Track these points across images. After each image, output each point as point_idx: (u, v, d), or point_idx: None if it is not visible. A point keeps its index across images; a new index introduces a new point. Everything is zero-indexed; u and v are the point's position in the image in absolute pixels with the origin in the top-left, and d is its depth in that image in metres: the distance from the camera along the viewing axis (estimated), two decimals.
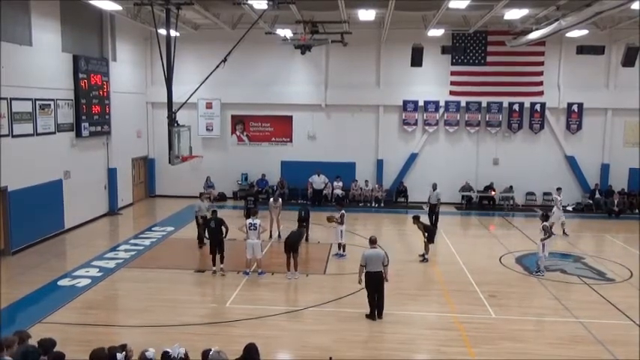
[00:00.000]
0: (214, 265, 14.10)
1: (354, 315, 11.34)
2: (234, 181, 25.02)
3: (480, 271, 14.60)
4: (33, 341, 6.83)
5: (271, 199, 18.08)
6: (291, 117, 24.81)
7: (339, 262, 15.31)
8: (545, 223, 14.54)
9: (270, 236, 17.30)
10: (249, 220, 14.10)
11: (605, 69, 23.34)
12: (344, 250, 15.79)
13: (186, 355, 6.53)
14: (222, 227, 14.07)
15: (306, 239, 17.20)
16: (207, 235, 14.50)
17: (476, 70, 23.64)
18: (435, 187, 19.83)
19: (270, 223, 17.44)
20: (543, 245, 14.29)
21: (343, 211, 15.99)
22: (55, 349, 6.64)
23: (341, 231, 15.78)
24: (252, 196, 19.28)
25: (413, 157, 24.55)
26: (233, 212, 21.37)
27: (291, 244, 13.80)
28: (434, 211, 19.50)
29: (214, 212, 14.76)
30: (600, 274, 14.51)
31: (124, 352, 6.57)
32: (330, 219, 16.10)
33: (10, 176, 15.12)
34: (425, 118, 24.11)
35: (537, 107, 23.70)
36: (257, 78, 24.15)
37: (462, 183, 24.11)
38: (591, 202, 23.40)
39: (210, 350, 6.48)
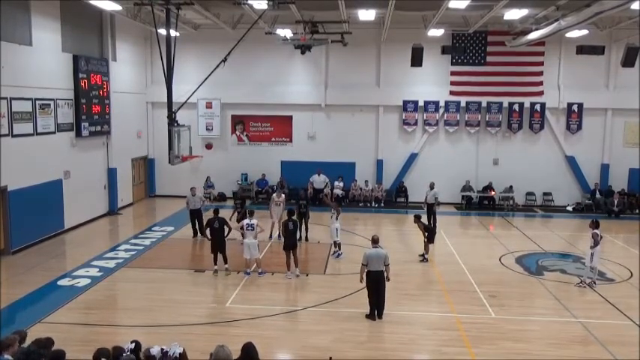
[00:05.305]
0: (215, 264, 14.08)
1: (354, 315, 11.34)
2: (234, 181, 25.02)
3: (480, 271, 14.59)
4: (29, 341, 6.85)
5: (274, 194, 18.07)
6: (291, 117, 24.81)
7: (339, 262, 15.30)
8: (595, 230, 13.32)
9: (270, 236, 17.30)
10: (247, 221, 13.99)
11: (605, 69, 23.34)
12: (340, 249, 15.77)
13: (181, 354, 6.52)
14: (225, 227, 14.08)
15: (306, 239, 17.24)
16: (208, 235, 14.47)
17: (476, 70, 23.65)
18: (432, 186, 19.75)
19: (272, 224, 17.45)
20: (592, 254, 13.27)
21: (340, 209, 16.18)
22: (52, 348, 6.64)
23: (336, 229, 15.78)
24: (240, 199, 18.87)
25: (413, 157, 24.55)
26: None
27: (292, 242, 13.85)
28: (432, 211, 19.40)
29: (216, 211, 14.63)
30: (600, 274, 14.48)
31: (133, 343, 6.58)
32: (325, 200, 16.10)
33: (10, 176, 15.13)
34: (425, 118, 24.10)
35: (537, 107, 23.71)
36: (257, 78, 24.15)
37: (462, 183, 24.11)
38: (591, 202, 23.42)
39: None
